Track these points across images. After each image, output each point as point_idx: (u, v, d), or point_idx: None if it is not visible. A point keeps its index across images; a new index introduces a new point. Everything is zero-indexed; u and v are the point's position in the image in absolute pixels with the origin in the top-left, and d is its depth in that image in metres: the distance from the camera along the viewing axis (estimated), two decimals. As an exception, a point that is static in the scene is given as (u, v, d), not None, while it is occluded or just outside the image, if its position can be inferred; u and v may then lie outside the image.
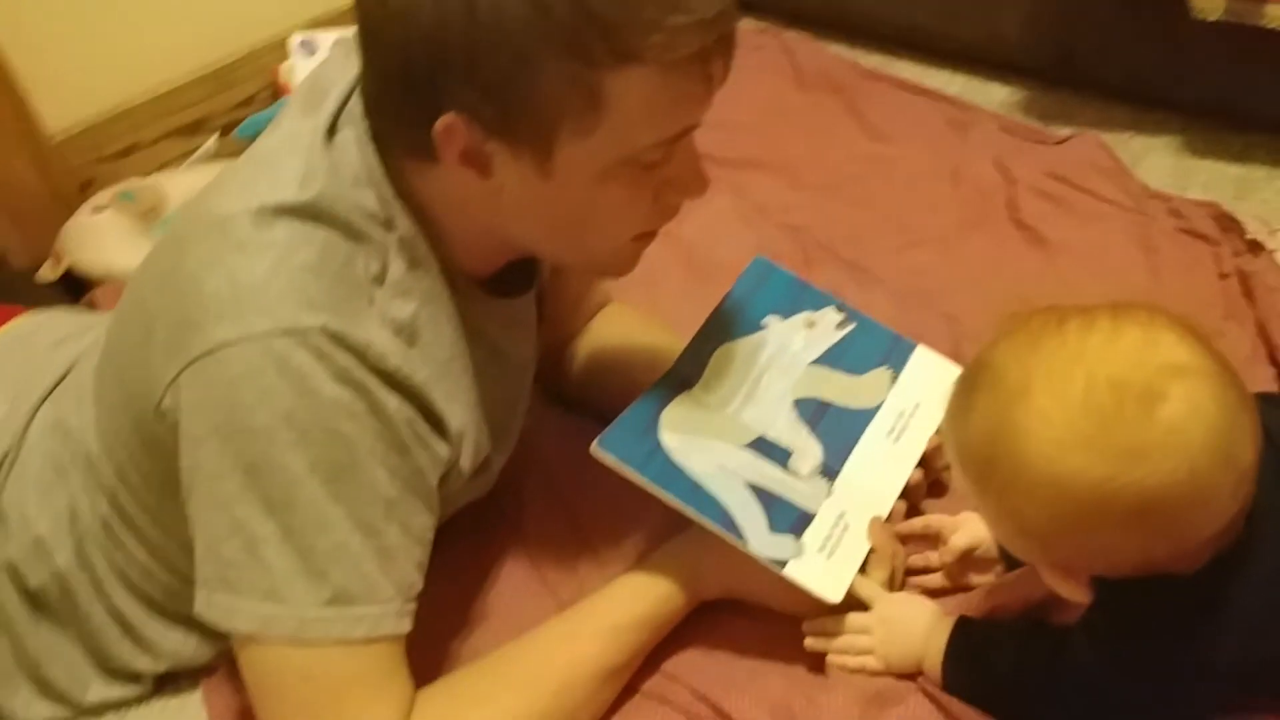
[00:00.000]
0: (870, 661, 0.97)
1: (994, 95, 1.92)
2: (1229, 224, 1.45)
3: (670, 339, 1.19)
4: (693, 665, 1.02)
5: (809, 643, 1.00)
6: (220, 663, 1.09)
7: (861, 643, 0.97)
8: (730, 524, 0.99)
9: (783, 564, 0.98)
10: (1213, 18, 1.50)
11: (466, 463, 1.00)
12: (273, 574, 0.85)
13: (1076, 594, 0.82)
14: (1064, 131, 1.73)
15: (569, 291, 1.25)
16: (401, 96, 0.86)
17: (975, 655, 0.93)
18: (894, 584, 1.04)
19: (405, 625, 0.90)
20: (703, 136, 1.83)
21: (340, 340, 0.85)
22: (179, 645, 1.07)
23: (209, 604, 0.87)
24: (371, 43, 0.87)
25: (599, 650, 0.97)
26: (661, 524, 1.09)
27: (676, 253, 1.56)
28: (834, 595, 0.97)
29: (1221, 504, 0.76)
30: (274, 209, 0.86)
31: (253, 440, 0.84)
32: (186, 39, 2.00)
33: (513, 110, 0.83)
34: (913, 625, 0.96)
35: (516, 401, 1.13)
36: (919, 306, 1.39)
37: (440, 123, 0.84)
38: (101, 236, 1.70)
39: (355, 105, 0.92)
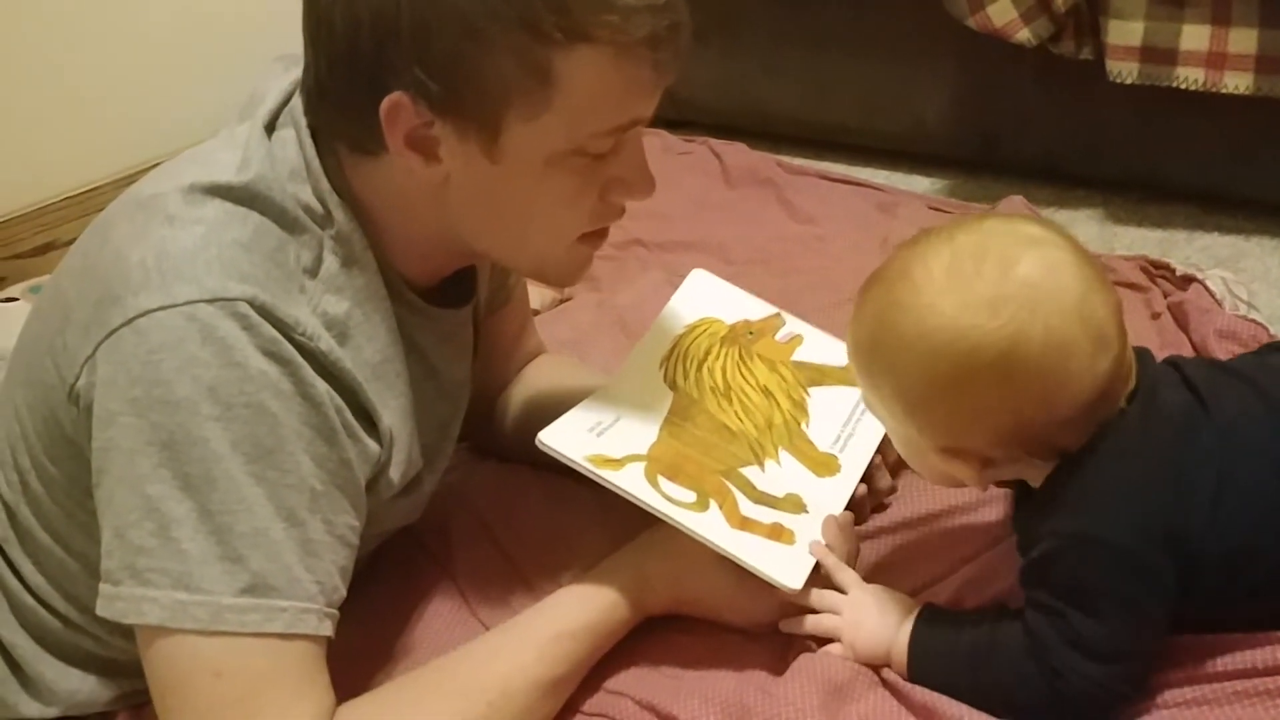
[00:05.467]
0: (836, 648, 0.92)
1: (918, 186, 1.95)
2: (1157, 271, 1.46)
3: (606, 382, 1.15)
4: (637, 679, 0.95)
5: (782, 623, 0.95)
6: (120, 707, 0.99)
7: (828, 623, 0.93)
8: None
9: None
10: (1128, 80, 1.55)
11: (397, 473, 0.95)
12: (187, 559, 0.78)
13: (971, 477, 0.87)
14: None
15: (505, 335, 1.22)
16: (347, 81, 0.85)
17: (944, 638, 0.88)
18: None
19: (327, 628, 0.84)
20: (634, 224, 1.81)
21: (268, 313, 0.81)
22: (74, 687, 0.97)
23: (114, 597, 0.80)
24: (318, 29, 0.86)
25: (538, 659, 0.91)
26: (600, 553, 1.02)
27: (609, 317, 1.55)
28: (794, 582, 0.92)
29: (1082, 364, 0.80)
30: (206, 187, 0.85)
31: (172, 413, 0.78)
32: (104, 142, 1.99)
33: (461, 87, 0.82)
34: (885, 615, 0.91)
35: (449, 424, 1.08)
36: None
37: (387, 101, 0.83)
38: (10, 323, 1.66)
39: (294, 107, 0.90)
